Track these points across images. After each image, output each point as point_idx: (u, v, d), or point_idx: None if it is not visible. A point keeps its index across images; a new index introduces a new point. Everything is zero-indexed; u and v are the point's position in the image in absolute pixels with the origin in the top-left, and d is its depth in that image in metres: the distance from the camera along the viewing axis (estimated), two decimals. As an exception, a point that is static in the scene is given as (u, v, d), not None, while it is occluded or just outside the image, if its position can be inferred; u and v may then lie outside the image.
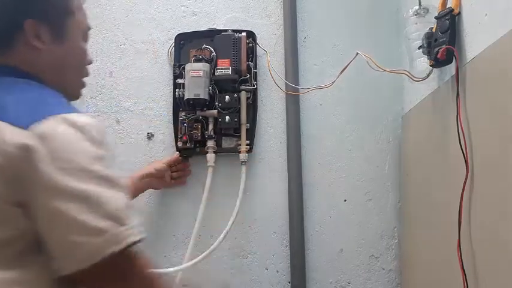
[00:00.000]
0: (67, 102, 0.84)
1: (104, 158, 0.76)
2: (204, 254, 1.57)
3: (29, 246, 0.73)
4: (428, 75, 1.29)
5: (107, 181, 0.74)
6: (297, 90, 1.68)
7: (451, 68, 1.17)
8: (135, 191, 1.50)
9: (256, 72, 1.70)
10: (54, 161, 0.71)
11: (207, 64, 1.64)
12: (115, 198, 0.74)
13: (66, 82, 0.92)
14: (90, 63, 0.99)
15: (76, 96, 0.97)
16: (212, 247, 1.57)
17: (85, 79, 0.99)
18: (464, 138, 1.05)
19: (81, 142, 0.74)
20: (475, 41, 1.06)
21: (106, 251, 0.70)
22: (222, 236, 1.57)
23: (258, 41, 1.72)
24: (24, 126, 0.72)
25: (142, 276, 0.79)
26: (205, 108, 1.65)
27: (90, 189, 0.72)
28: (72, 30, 0.92)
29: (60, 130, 0.73)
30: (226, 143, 1.70)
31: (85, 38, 0.97)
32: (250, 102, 1.67)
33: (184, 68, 1.66)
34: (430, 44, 1.18)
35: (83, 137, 0.74)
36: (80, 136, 0.74)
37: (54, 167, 0.71)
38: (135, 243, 0.74)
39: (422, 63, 1.27)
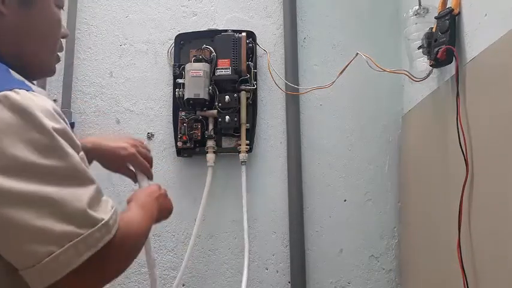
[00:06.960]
0: (12, 76, 0.68)
1: (56, 147, 0.62)
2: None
3: None
4: (428, 75, 1.29)
5: (63, 176, 0.62)
6: (297, 90, 1.68)
7: (451, 68, 1.17)
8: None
9: (256, 72, 1.70)
10: None
11: (207, 64, 1.65)
12: (77, 195, 0.62)
13: (32, 54, 0.77)
14: (66, 36, 0.84)
15: (47, 71, 0.83)
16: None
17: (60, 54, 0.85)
18: (464, 138, 1.05)
19: (22, 130, 0.60)
20: (475, 41, 1.06)
21: (75, 262, 0.60)
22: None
23: (258, 41, 1.72)
24: None
25: (124, 257, 0.69)
26: (205, 108, 1.65)
27: (42, 190, 0.59)
28: None
29: None
30: (226, 143, 1.70)
31: (59, 3, 0.81)
32: (250, 102, 1.68)
33: (184, 68, 1.66)
34: (430, 44, 1.19)
35: (26, 123, 0.60)
36: (21, 122, 0.60)
37: None
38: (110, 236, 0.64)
39: (422, 63, 1.27)
